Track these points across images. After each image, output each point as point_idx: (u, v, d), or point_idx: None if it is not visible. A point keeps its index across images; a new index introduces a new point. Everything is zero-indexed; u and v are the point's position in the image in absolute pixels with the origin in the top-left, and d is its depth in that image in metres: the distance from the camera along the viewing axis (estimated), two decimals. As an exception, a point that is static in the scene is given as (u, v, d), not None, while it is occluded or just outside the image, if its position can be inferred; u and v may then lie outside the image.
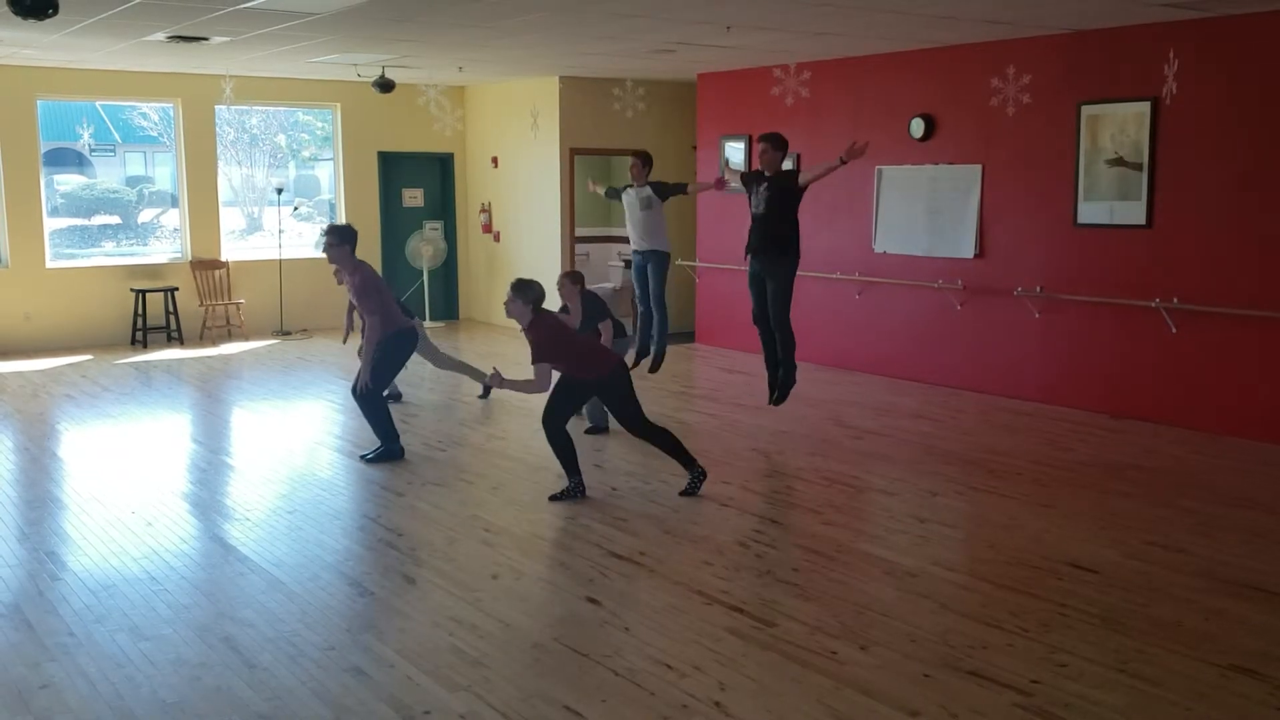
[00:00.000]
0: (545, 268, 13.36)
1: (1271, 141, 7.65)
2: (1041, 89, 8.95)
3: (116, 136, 20.88)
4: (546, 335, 6.22)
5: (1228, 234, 7.94)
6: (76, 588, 5.12)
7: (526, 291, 6.16)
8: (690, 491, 6.50)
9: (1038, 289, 9.09)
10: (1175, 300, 8.19)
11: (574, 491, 6.44)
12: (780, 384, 8.06)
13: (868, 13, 7.85)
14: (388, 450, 7.39)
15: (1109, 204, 8.57)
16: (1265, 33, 7.60)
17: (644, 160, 9.22)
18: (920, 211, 9.99)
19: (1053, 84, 8.87)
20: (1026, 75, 9.01)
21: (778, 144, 7.88)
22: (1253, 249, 7.81)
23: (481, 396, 9.45)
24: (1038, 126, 9.01)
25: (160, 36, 9.08)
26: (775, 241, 7.85)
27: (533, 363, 6.20)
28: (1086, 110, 8.63)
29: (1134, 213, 8.40)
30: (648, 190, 9.15)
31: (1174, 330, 8.24)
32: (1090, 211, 8.70)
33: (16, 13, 6.07)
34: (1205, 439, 7.97)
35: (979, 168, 9.48)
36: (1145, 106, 8.24)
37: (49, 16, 6.16)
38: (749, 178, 8.13)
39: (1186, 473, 7.16)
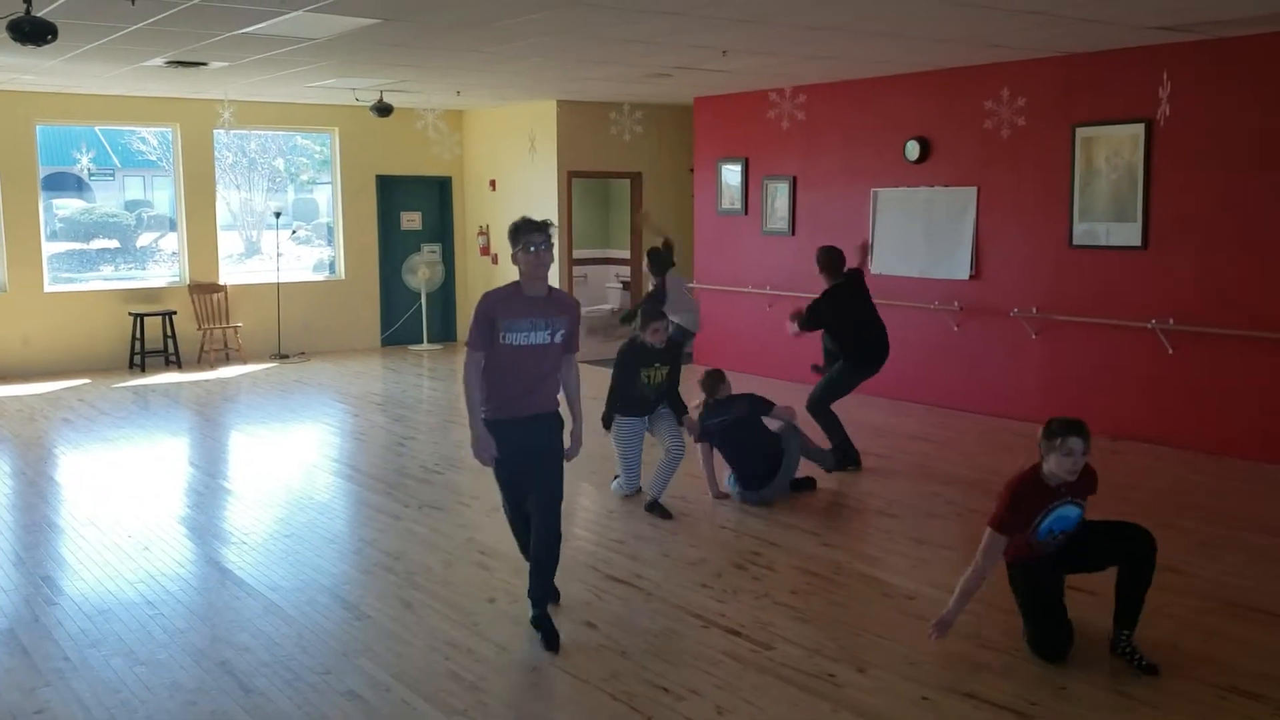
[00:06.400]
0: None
1: (1265, 162, 7.69)
2: (1036, 111, 8.99)
3: (115, 161, 20.96)
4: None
5: (1223, 254, 7.96)
6: (72, 612, 5.11)
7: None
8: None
9: (1034, 310, 9.11)
10: (1171, 321, 8.21)
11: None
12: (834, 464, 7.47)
13: (862, 37, 7.89)
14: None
15: (1104, 225, 8.60)
16: (1258, 54, 7.65)
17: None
18: (917, 233, 10.01)
19: (1047, 106, 8.91)
20: (1021, 98, 9.06)
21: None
22: (1248, 269, 7.83)
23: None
24: (1032, 148, 9.05)
25: (159, 61, 9.12)
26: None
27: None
28: (1081, 132, 8.67)
29: (1129, 234, 8.43)
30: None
31: (1170, 351, 8.25)
32: (1086, 233, 8.73)
33: (16, 38, 6.09)
34: (1203, 459, 7.97)
35: (974, 190, 9.51)
36: (1139, 128, 8.28)
37: (48, 42, 6.18)
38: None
39: (1185, 493, 7.15)
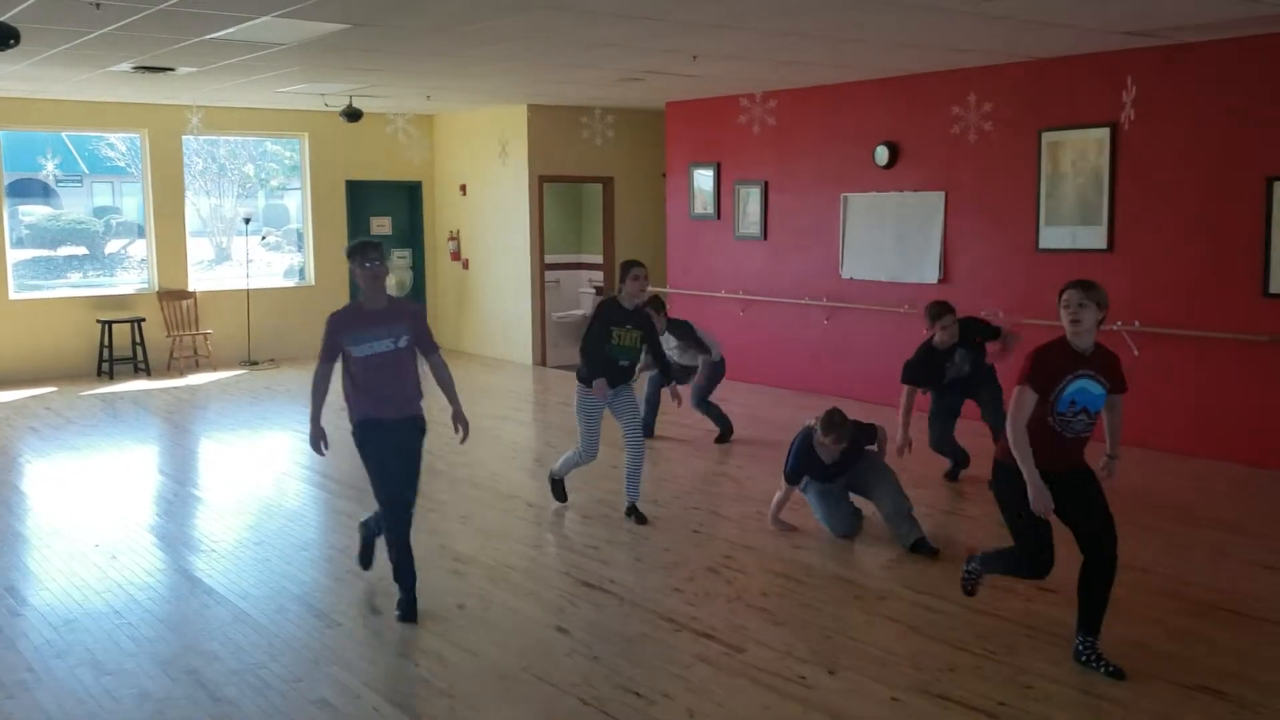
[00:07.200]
0: (516, 295, 13.38)
1: (1227, 164, 7.79)
2: (1003, 116, 9.07)
3: (83, 167, 20.77)
4: None
5: (1187, 257, 8.05)
6: (37, 623, 5.05)
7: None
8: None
9: (1001, 313, 9.16)
10: (1137, 323, 8.29)
11: None
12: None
13: (831, 42, 7.94)
14: None
15: (1070, 229, 8.68)
16: (1219, 59, 7.75)
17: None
18: (886, 238, 10.07)
19: (1014, 111, 8.99)
20: (988, 103, 9.13)
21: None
22: (1212, 271, 7.93)
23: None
24: (999, 153, 9.13)
25: (126, 67, 9.05)
26: None
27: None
28: (1047, 137, 8.75)
29: (1095, 237, 8.51)
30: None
31: (1136, 353, 8.33)
32: (1052, 236, 8.81)
33: (-22, 44, 6.04)
34: (1169, 459, 8.05)
35: (942, 194, 9.58)
36: (1104, 132, 8.37)
37: (11, 47, 6.14)
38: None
39: (1150, 493, 7.22)
